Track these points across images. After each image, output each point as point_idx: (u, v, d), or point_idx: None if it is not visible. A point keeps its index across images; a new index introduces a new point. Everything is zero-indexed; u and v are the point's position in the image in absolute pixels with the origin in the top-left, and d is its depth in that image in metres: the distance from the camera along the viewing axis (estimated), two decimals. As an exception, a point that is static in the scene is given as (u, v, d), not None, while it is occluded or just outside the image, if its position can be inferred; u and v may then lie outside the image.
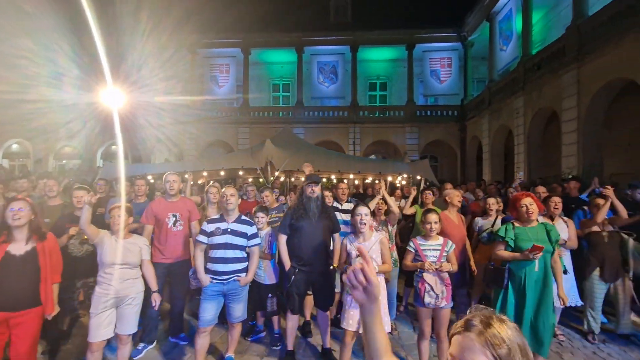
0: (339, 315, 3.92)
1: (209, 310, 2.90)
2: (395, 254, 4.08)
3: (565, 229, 3.59)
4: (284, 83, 19.97)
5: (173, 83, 16.62)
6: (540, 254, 2.67)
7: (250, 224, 3.07)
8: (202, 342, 2.94)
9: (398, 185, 9.41)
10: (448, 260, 2.91)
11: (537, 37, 13.25)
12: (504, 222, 3.82)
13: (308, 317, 4.02)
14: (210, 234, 2.95)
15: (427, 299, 2.81)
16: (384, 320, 2.72)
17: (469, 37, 16.77)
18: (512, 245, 2.90)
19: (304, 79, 17.81)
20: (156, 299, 2.93)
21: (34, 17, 13.57)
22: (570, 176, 5.47)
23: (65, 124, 15.45)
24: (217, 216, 3.10)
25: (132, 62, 14.62)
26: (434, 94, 17.94)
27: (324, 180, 11.16)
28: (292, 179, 10.92)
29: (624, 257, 3.65)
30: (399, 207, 4.57)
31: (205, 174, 9.01)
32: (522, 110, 11.55)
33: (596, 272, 3.67)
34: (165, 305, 4.14)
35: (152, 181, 8.32)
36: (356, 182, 11.60)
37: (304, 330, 3.92)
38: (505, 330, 0.84)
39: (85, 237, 3.33)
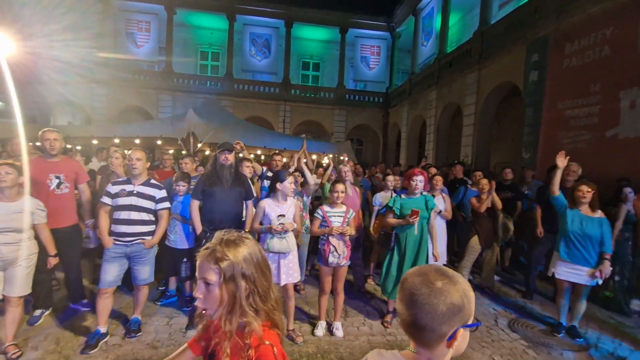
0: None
1: (110, 272, 2.87)
2: (307, 221, 4.43)
3: (442, 202, 4.32)
4: (213, 51, 18.88)
5: (80, 35, 14.52)
6: (417, 218, 3.24)
7: (160, 188, 3.08)
8: (104, 302, 2.92)
9: (324, 164, 9.87)
10: (349, 226, 3.32)
11: (454, 37, 14.68)
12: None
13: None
14: (114, 195, 2.90)
15: (331, 259, 3.21)
16: (294, 275, 3.06)
17: (397, 28, 17.76)
18: (398, 213, 3.45)
19: (235, 49, 17.07)
20: (51, 262, 2.81)
21: None
22: (456, 162, 6.47)
23: None
24: (123, 178, 3.04)
25: (24, 2, 12.37)
26: (363, 79, 18.76)
27: (252, 156, 11.14)
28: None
29: (495, 229, 4.55)
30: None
31: (116, 141, 8.33)
32: (435, 102, 12.86)
33: (475, 239, 4.50)
34: (60, 275, 3.94)
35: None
36: (284, 159, 11.80)
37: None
38: (234, 250, 1.05)
39: None
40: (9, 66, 3.37)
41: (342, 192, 3.30)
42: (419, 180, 3.46)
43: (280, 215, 3.02)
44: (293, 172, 3.99)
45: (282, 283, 3.00)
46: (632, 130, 5.57)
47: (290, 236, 3.05)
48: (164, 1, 15.90)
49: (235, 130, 9.63)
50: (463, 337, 0.81)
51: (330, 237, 3.24)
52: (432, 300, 0.77)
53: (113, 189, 2.92)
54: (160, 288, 4.14)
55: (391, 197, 4.69)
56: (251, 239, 1.12)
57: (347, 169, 4.22)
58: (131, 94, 15.74)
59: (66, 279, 3.58)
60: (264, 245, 3.04)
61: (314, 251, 4.34)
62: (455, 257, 5.71)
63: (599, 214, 3.36)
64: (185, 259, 3.67)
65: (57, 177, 3.23)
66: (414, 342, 0.84)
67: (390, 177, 4.80)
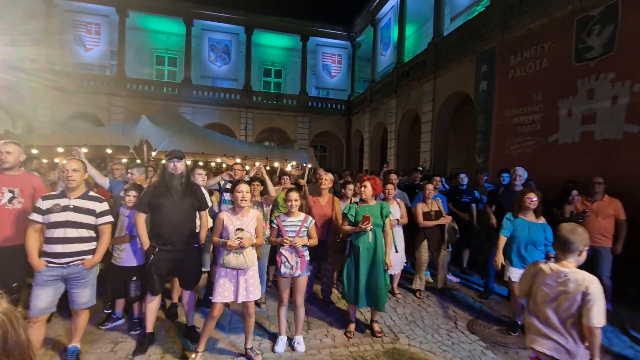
0: (210, 297, 3.94)
1: (42, 298, 2.55)
2: (267, 231, 4.29)
3: (397, 209, 4.39)
4: (170, 56, 18.21)
5: (21, 37, 13.38)
6: (370, 224, 3.23)
7: (100, 201, 2.81)
8: (35, 334, 2.57)
9: (289, 171, 9.76)
10: (309, 234, 3.22)
11: (411, 48, 15.29)
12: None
13: (175, 300, 3.92)
14: (46, 212, 2.59)
15: (283, 269, 3.10)
16: (255, 293, 2.89)
17: (357, 37, 18.20)
18: (353, 220, 3.44)
19: (193, 54, 16.58)
20: None
21: None
22: (419, 168, 6.68)
23: None
24: (55, 192, 2.74)
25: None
26: (325, 87, 18.96)
27: (212, 164, 10.75)
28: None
29: (442, 234, 4.66)
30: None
31: (60, 150, 7.66)
32: (395, 110, 13.25)
33: (424, 244, 4.58)
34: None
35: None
36: (247, 167, 11.53)
37: (170, 313, 3.83)
38: None
39: None
40: None
41: (296, 200, 3.20)
42: (364, 187, 3.50)
43: (239, 229, 2.86)
44: (250, 181, 3.85)
45: (240, 300, 2.84)
46: (569, 136, 6.04)
47: (249, 251, 2.86)
48: (115, 3, 15.10)
49: (193, 137, 9.26)
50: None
51: (281, 248, 3.14)
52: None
53: (44, 204, 2.60)
54: (105, 311, 3.79)
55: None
56: None
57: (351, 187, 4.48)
58: (80, 100, 14.70)
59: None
60: (220, 260, 2.87)
61: (273, 262, 4.22)
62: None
63: (542, 220, 3.56)
64: (134, 277, 3.39)
65: (11, 191, 2.88)
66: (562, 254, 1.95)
67: (350, 186, 4.79)
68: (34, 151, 8.01)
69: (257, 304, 4.12)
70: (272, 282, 4.82)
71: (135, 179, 3.99)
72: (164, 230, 2.94)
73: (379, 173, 8.58)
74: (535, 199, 3.50)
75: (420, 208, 4.55)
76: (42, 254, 2.64)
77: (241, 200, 2.89)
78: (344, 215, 3.50)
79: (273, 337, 3.40)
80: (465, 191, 5.62)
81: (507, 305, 4.32)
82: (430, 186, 4.54)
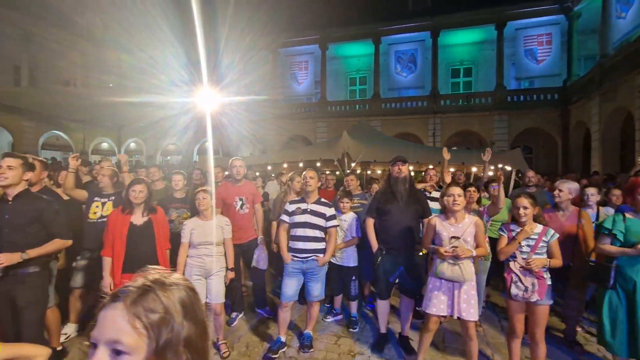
0: (419, 308, 3.82)
1: (290, 286, 3.10)
2: (488, 247, 3.79)
3: None
4: (361, 76, 19.94)
5: (256, 83, 17.91)
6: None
7: (329, 206, 3.18)
8: (284, 315, 3.16)
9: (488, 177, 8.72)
10: (549, 252, 2.58)
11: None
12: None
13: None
14: (291, 213, 3.14)
15: (513, 290, 2.56)
16: (470, 312, 2.58)
17: (574, 7, 14.48)
18: (622, 239, 2.49)
19: (381, 70, 17.56)
20: (229, 276, 3.19)
21: (150, 33, 15.92)
22: None
23: (170, 125, 17.83)
24: (298, 198, 3.29)
25: (223, 68, 16.18)
26: (529, 76, 16.01)
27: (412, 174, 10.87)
28: (369, 172, 10.90)
29: None
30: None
31: (285, 165, 9.53)
32: (647, 88, 9.59)
33: None
34: (248, 284, 4.55)
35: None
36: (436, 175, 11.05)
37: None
38: (169, 293, 0.65)
39: (185, 216, 3.82)
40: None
41: (526, 207, 2.57)
42: None
43: (454, 237, 2.59)
44: (465, 186, 3.48)
45: (457, 315, 2.55)
46: None
47: (467, 263, 2.55)
48: (317, 40, 17.95)
49: (385, 147, 9.62)
50: None
51: (510, 263, 2.59)
52: None
53: (290, 207, 3.18)
54: (326, 305, 4.27)
55: (597, 216, 3.59)
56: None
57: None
58: (294, 125, 18.26)
59: (253, 287, 4.11)
60: (432, 269, 2.68)
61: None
62: None
63: None
64: (353, 277, 3.68)
65: (241, 199, 3.78)
66: None
67: (591, 190, 3.64)
68: (269, 167, 10.30)
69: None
70: (484, 302, 4.23)
71: (351, 185, 4.40)
72: (390, 236, 3.05)
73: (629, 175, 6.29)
74: None
75: None
76: (288, 249, 3.20)
77: (453, 204, 2.61)
78: (606, 231, 2.61)
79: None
80: None
81: None
82: None
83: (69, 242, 2.53)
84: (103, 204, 3.38)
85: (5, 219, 2.25)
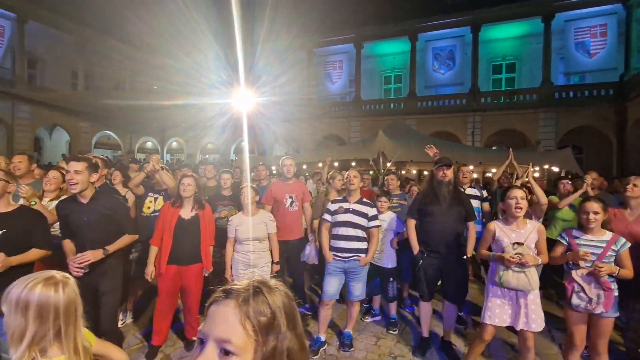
0: (461, 313, 3.71)
1: (332, 285, 3.11)
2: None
3: None
4: (396, 74, 19.56)
5: (291, 83, 18.13)
6: None
7: (372, 206, 3.17)
8: (325, 313, 3.18)
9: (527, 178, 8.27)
10: (618, 262, 2.37)
11: None
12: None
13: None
14: (333, 212, 3.16)
15: (575, 300, 2.39)
16: (538, 322, 2.44)
17: (634, -6, 13.31)
18: None
19: (417, 67, 17.13)
20: (274, 269, 3.26)
21: (192, 39, 16.70)
22: None
23: (209, 125, 18.54)
24: (340, 197, 3.29)
25: (259, 69, 16.60)
26: (580, 71, 14.97)
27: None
28: (403, 172, 10.69)
29: None
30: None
31: (320, 164, 9.58)
32: None
33: None
34: (287, 280, 4.62)
35: (274, 172, 9.25)
36: (475, 175, 10.62)
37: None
38: (275, 297, 0.64)
39: (234, 212, 3.95)
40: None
41: (596, 212, 2.37)
42: None
43: (517, 244, 2.43)
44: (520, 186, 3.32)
45: (519, 327, 2.43)
46: None
47: (532, 271, 2.39)
48: (353, 39, 17.84)
49: (422, 146, 9.38)
50: None
51: (572, 272, 2.42)
52: None
53: (332, 206, 3.19)
54: (364, 305, 4.25)
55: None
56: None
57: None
58: (328, 124, 18.26)
59: (293, 284, 4.17)
60: (494, 278, 2.50)
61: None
62: None
63: None
64: (391, 279, 3.63)
65: (290, 197, 3.85)
66: None
67: None
68: (304, 166, 10.41)
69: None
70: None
71: (392, 184, 4.35)
72: (432, 239, 2.98)
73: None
74: None
75: None
76: (330, 248, 3.22)
77: (515, 208, 2.47)
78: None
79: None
80: None
81: None
82: None
83: (136, 237, 2.73)
84: (155, 198, 3.59)
85: (84, 221, 2.45)
